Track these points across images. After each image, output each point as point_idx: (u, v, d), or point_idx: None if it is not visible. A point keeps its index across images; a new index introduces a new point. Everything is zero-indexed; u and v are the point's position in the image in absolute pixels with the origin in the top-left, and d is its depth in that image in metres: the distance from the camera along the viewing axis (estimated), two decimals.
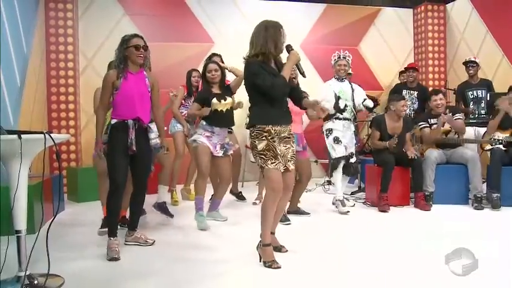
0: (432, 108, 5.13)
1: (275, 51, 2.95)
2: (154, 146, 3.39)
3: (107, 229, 3.62)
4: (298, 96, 3.13)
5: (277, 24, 2.97)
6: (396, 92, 6.11)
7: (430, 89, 7.32)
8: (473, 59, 5.90)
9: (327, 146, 4.77)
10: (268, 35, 2.93)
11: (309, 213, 4.50)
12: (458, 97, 6.07)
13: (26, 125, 5.02)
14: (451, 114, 4.99)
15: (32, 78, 5.47)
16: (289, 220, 4.14)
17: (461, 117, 5.07)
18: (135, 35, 3.30)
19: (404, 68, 6.47)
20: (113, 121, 3.23)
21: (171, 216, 4.36)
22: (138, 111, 3.23)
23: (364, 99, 4.74)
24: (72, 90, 6.23)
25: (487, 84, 5.86)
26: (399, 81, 6.88)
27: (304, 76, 3.06)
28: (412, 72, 6.31)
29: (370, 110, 5.04)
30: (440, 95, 5.09)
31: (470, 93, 5.87)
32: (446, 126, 5.03)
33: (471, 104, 5.86)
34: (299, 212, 4.48)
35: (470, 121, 5.72)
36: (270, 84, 2.86)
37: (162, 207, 4.39)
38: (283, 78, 2.89)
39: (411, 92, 6.23)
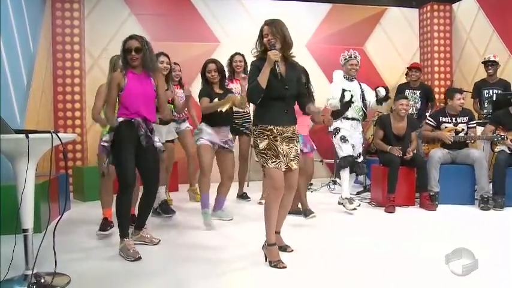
0: (454, 106, 5.03)
1: (258, 51, 3.00)
2: (159, 149, 3.36)
3: (106, 232, 3.66)
4: (303, 103, 3.10)
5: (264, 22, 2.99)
6: (399, 92, 6.10)
7: (436, 89, 7.34)
8: (492, 59, 5.83)
9: (335, 145, 4.78)
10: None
11: (313, 213, 4.48)
12: (474, 95, 6.00)
13: (33, 124, 5.05)
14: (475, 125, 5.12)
15: (39, 78, 5.50)
16: (313, 213, 4.11)
17: (475, 125, 5.09)
18: (130, 37, 3.19)
19: (407, 68, 6.45)
20: (120, 119, 3.17)
21: (173, 212, 4.40)
22: (143, 111, 3.19)
23: (376, 95, 4.72)
24: (78, 90, 6.26)
25: (504, 85, 5.76)
26: (405, 81, 6.85)
27: (276, 77, 2.84)
28: (415, 72, 6.29)
29: (381, 100, 4.74)
30: (464, 94, 5.12)
31: (485, 91, 5.80)
32: (458, 127, 5.03)
33: (486, 103, 5.77)
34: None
35: (484, 121, 5.66)
36: (247, 90, 2.96)
37: (162, 208, 4.42)
38: (257, 82, 2.84)
39: (414, 91, 6.22)
